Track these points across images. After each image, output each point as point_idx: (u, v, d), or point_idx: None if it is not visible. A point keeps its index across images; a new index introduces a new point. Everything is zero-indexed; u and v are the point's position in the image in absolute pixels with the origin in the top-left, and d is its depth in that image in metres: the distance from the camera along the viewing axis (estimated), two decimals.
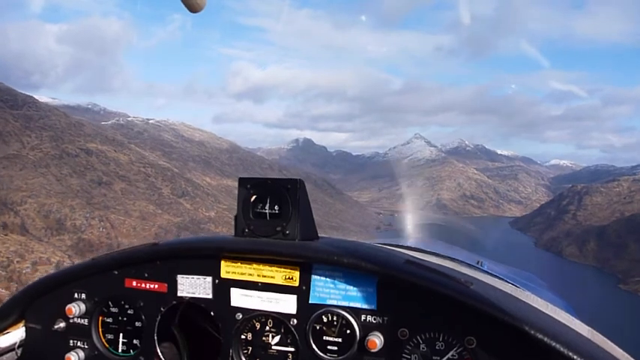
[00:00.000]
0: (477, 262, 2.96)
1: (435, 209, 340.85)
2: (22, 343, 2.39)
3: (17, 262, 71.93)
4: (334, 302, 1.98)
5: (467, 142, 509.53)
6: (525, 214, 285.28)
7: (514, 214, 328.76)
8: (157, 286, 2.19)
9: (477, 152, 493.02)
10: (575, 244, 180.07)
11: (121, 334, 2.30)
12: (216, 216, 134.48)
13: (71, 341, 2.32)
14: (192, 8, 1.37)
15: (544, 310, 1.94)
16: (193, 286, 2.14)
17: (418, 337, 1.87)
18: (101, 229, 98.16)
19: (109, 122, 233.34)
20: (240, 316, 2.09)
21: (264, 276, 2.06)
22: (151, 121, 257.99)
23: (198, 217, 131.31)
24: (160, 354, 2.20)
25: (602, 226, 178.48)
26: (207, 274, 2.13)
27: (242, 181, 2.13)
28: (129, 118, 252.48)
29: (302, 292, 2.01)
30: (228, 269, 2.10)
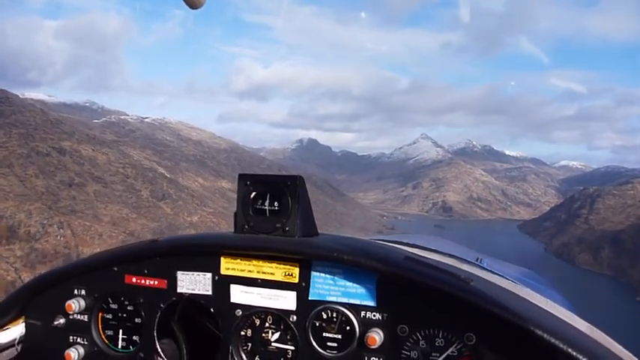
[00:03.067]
0: (477, 259, 2.95)
1: (441, 212, 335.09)
2: (22, 339, 2.39)
3: None
4: (334, 299, 1.98)
5: (474, 143, 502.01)
6: (535, 218, 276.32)
7: (523, 217, 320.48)
8: (156, 282, 2.20)
9: (485, 153, 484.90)
10: (589, 251, 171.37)
11: (120, 331, 2.30)
12: (199, 221, 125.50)
13: (71, 337, 2.33)
14: (192, 5, 1.39)
15: (543, 307, 1.94)
16: (193, 283, 2.14)
17: (418, 334, 1.88)
18: (59, 237, 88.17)
19: (100, 120, 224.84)
20: (240, 313, 2.09)
21: (264, 272, 2.06)
22: (146, 120, 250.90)
23: (178, 222, 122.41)
24: (159, 350, 2.20)
25: (617, 231, 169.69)
26: (207, 271, 2.12)
27: (241, 178, 2.13)
28: (122, 117, 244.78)
29: (302, 288, 2.01)
30: (228, 266, 2.10)
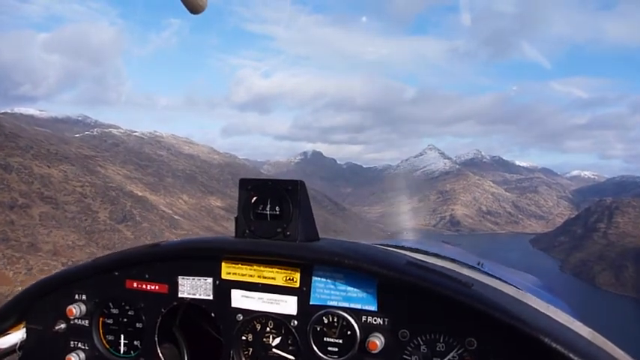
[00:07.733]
0: (478, 264, 2.96)
1: (449, 225, 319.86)
2: (23, 345, 2.41)
3: None
4: (335, 303, 1.99)
5: (483, 154, 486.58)
6: (548, 231, 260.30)
7: (535, 230, 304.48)
8: (157, 287, 2.21)
9: (494, 164, 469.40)
10: (610, 270, 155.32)
11: (121, 335, 2.31)
12: None
13: (72, 342, 2.34)
14: (194, 9, 1.38)
15: (544, 312, 1.94)
16: (194, 287, 2.15)
17: (419, 339, 1.89)
18: None
19: (81, 134, 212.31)
20: (241, 318, 2.10)
21: (265, 277, 2.07)
22: (134, 133, 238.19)
23: None
24: (160, 355, 2.21)
25: None
26: (208, 276, 2.14)
27: (242, 183, 2.14)
28: (106, 130, 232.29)
29: (303, 293, 2.02)
30: (229, 270, 2.11)
